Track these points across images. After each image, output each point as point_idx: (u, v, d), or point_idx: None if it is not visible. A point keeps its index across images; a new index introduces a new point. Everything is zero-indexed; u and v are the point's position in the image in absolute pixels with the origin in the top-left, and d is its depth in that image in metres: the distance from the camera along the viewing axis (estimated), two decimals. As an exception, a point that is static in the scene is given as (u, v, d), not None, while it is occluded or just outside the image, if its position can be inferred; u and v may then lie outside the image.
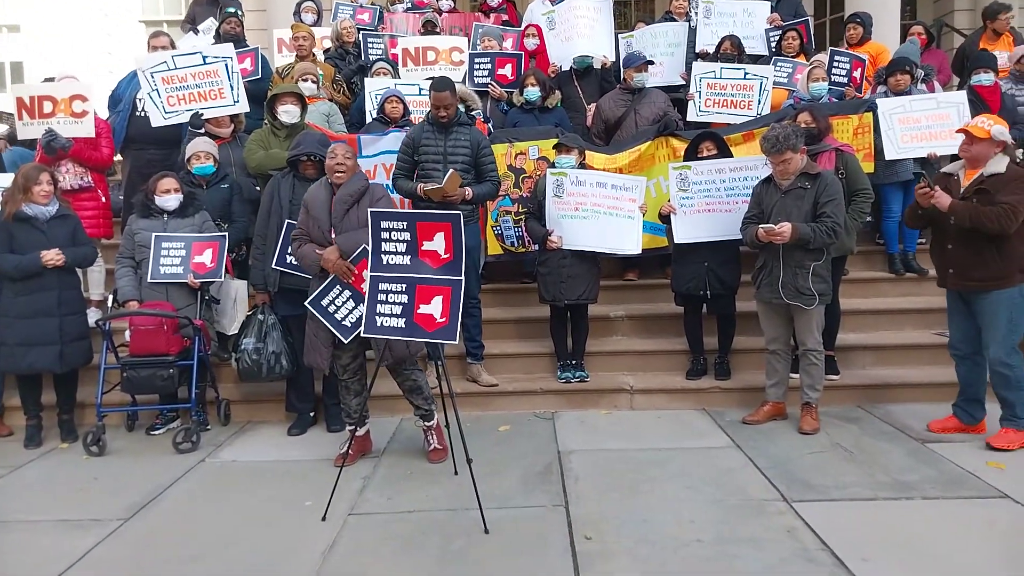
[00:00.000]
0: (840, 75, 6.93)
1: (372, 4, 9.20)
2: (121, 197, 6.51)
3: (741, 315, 5.42)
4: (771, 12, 7.93)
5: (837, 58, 7.01)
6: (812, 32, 7.87)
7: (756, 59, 7.46)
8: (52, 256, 4.68)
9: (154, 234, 4.92)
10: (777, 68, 7.03)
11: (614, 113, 6.46)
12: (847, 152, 5.15)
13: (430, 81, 6.48)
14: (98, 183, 5.92)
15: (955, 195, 4.32)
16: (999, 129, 4.23)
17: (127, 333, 4.79)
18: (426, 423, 4.46)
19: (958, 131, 4.45)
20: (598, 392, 5.34)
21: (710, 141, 5.45)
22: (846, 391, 5.25)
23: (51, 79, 6.46)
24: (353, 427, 4.34)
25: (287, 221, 4.69)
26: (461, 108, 5.31)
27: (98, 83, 6.44)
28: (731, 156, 5.47)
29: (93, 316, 5.43)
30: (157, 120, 5.89)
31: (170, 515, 3.84)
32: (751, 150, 5.76)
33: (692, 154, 5.46)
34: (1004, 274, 4.24)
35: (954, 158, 4.64)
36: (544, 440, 4.74)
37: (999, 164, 4.23)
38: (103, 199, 5.97)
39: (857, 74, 6.93)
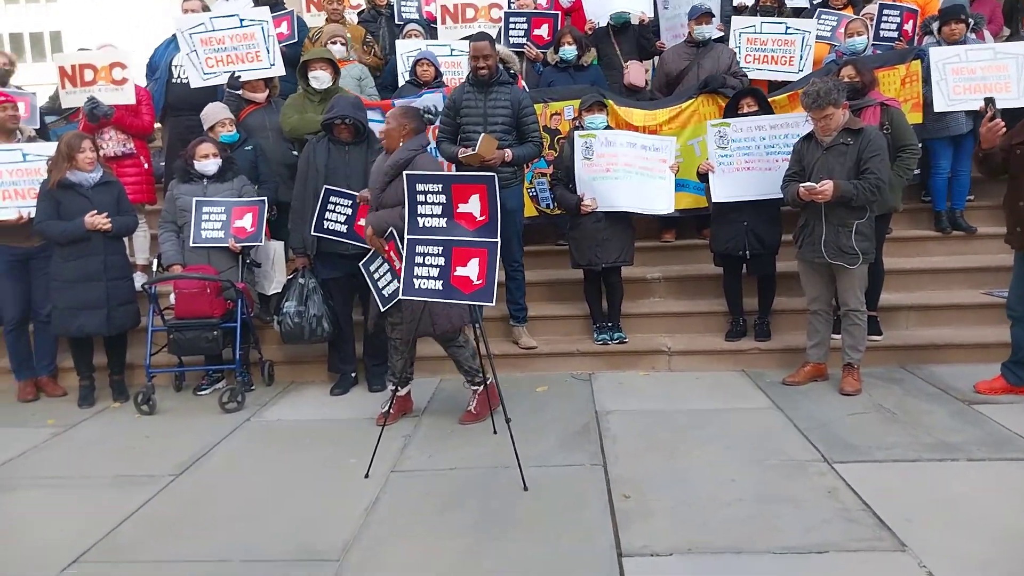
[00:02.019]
0: (890, 29, 6.66)
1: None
2: (162, 164, 6.59)
3: (781, 275, 5.34)
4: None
5: (887, 11, 6.73)
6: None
7: (798, 12, 7.23)
8: (99, 220, 4.76)
9: (195, 199, 4.99)
10: (820, 21, 6.81)
11: (676, 66, 6.31)
12: (893, 107, 4.99)
13: (464, 40, 6.51)
14: (140, 149, 6.02)
15: None
16: None
17: (172, 296, 4.90)
18: (472, 387, 4.49)
19: None
20: (636, 354, 5.34)
21: (751, 97, 5.33)
22: (889, 352, 5.16)
23: (86, 49, 6.53)
24: (395, 387, 4.40)
25: (324, 187, 4.72)
26: (501, 67, 5.23)
27: (134, 50, 6.50)
28: (772, 113, 5.34)
29: (139, 280, 5.55)
30: (196, 81, 5.93)
31: (218, 472, 3.96)
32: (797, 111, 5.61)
33: (732, 111, 5.35)
34: None
35: (1014, 113, 4.41)
36: (582, 401, 4.77)
37: None
38: (145, 165, 6.07)
39: (908, 27, 6.67)
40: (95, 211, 4.78)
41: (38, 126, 5.98)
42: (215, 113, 5.33)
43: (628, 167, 5.18)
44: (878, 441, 3.95)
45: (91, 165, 4.88)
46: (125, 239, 5.31)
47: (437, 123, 4.86)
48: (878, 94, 5.13)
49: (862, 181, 4.37)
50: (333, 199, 4.74)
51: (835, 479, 3.56)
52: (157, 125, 6.59)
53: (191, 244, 4.98)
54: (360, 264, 4.41)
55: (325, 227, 4.75)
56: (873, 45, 6.32)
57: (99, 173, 4.95)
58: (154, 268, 5.33)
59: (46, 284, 4.96)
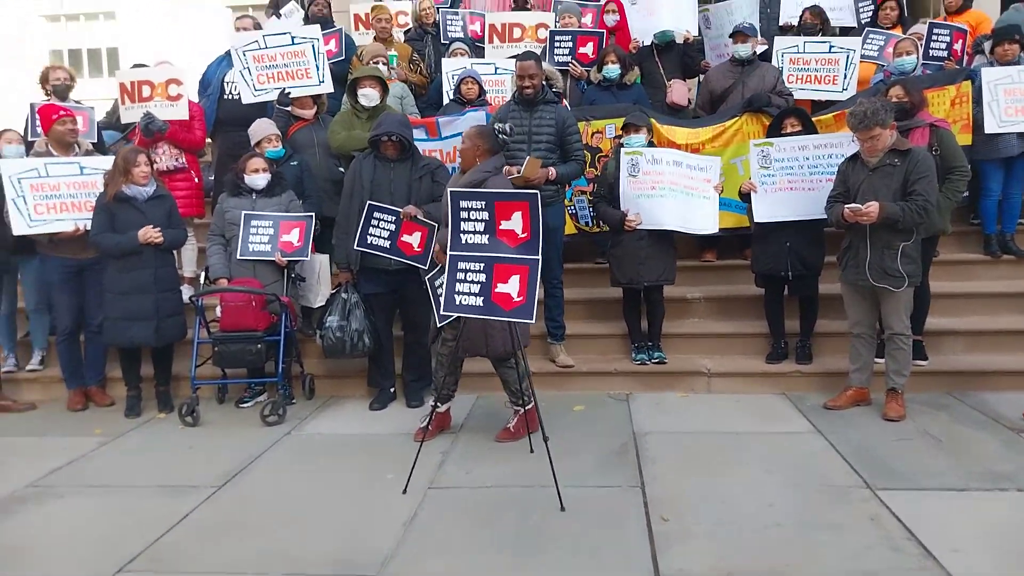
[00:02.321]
0: (940, 49, 6.58)
1: (445, -18, 9.23)
2: (211, 178, 6.76)
3: (823, 297, 5.27)
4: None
5: (936, 30, 6.66)
6: (905, 2, 7.50)
7: (846, 32, 7.16)
8: (152, 233, 4.90)
9: (243, 212, 5.10)
10: (868, 41, 6.74)
11: (721, 85, 6.31)
12: (942, 127, 4.91)
13: (510, 59, 6.57)
14: (191, 164, 6.18)
15: None
16: None
17: (218, 309, 5.01)
18: (514, 407, 4.49)
19: None
20: (674, 375, 5.30)
21: (794, 117, 5.30)
22: (935, 377, 5.05)
23: (141, 65, 6.73)
24: (435, 403, 4.43)
25: (368, 202, 4.80)
26: (546, 86, 5.27)
27: (188, 67, 6.70)
28: (816, 133, 5.30)
29: (186, 292, 5.70)
30: (247, 97, 6.09)
31: (260, 483, 4.03)
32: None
33: (776, 131, 5.32)
34: None
35: None
36: (619, 421, 4.75)
37: None
38: (196, 179, 6.22)
39: (958, 46, 6.57)
40: (149, 225, 4.92)
41: (95, 140, 6.17)
42: (262, 129, 5.45)
43: (673, 185, 5.17)
44: (923, 468, 3.87)
45: (146, 179, 5.03)
46: (174, 252, 5.44)
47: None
48: (927, 115, 5.05)
49: (909, 203, 4.31)
50: (377, 215, 4.82)
51: (878, 506, 3.49)
52: (208, 140, 6.76)
53: (238, 256, 5.09)
54: (426, 277, 4.49)
55: (368, 242, 4.82)
56: (923, 65, 6.23)
57: (153, 187, 5.10)
58: (201, 281, 5.45)
59: (99, 295, 5.10)
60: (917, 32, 6.62)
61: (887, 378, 4.62)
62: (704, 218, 5.26)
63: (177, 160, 6.05)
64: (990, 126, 5.70)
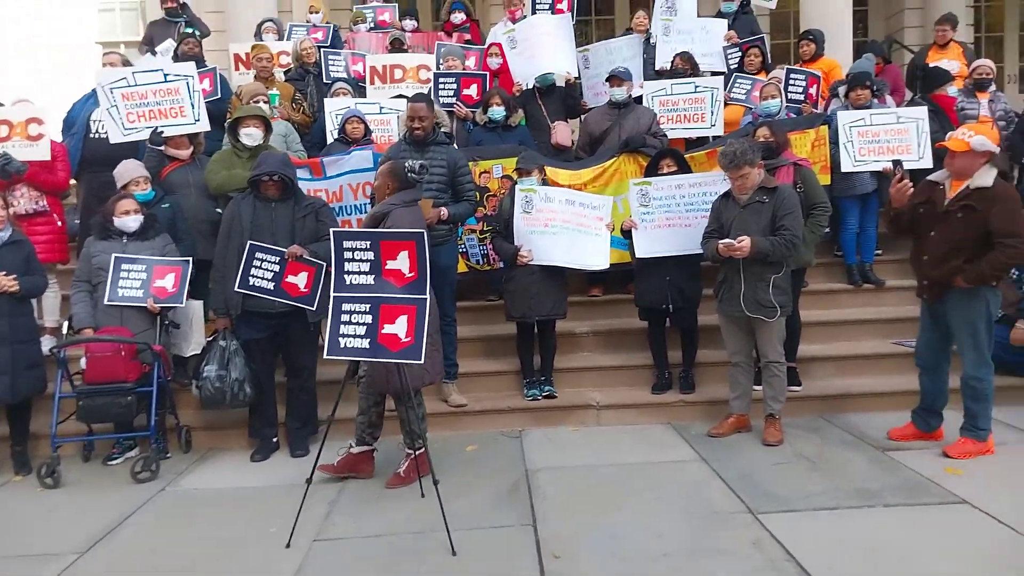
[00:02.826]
0: (797, 92, 7.08)
1: (326, 23, 9.19)
2: (76, 221, 6.37)
3: (704, 328, 5.48)
4: (728, 30, 8.08)
5: (793, 76, 7.17)
6: (768, 50, 8.04)
7: (716, 75, 7.58)
8: (4, 281, 4.56)
9: (113, 255, 4.82)
10: (736, 85, 7.16)
11: (599, 127, 6.49)
12: (805, 166, 5.25)
13: (395, 99, 6.57)
14: (53, 207, 5.80)
15: (939, 206, 4.28)
16: (980, 140, 4.12)
17: (83, 360, 4.68)
18: (406, 449, 4.39)
19: (938, 145, 4.42)
20: (565, 409, 5.35)
21: (670, 158, 5.54)
22: (808, 402, 5.32)
23: (-1, 104, 6.33)
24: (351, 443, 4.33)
25: (249, 242, 4.64)
26: (437, 127, 5.29)
27: (52, 105, 6.33)
28: (691, 172, 5.55)
29: (47, 344, 5.29)
30: (116, 136, 5.77)
31: (130, 546, 3.75)
32: (715, 169, 5.83)
33: (653, 171, 5.53)
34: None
35: (925, 172, 4.63)
36: (512, 459, 4.73)
37: (986, 177, 4.14)
38: (59, 223, 5.84)
39: (813, 90, 7.09)
40: (2, 272, 4.57)
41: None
42: (129, 171, 5.19)
43: (566, 223, 5.29)
44: (800, 490, 4.03)
45: (1, 224, 4.68)
46: (33, 301, 5.07)
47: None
48: (791, 154, 5.38)
49: (778, 237, 4.56)
50: (259, 255, 4.66)
51: (760, 530, 3.61)
52: (72, 181, 6.38)
53: (106, 302, 4.79)
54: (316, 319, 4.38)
55: (251, 284, 4.65)
56: (786, 107, 6.67)
57: (8, 232, 4.75)
58: (64, 331, 5.08)
59: (-55, 349, 4.67)
60: (776, 77, 7.09)
61: (765, 404, 4.82)
62: (595, 254, 5.39)
63: (37, 203, 5.68)
64: (846, 165, 6.14)
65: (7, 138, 5.68)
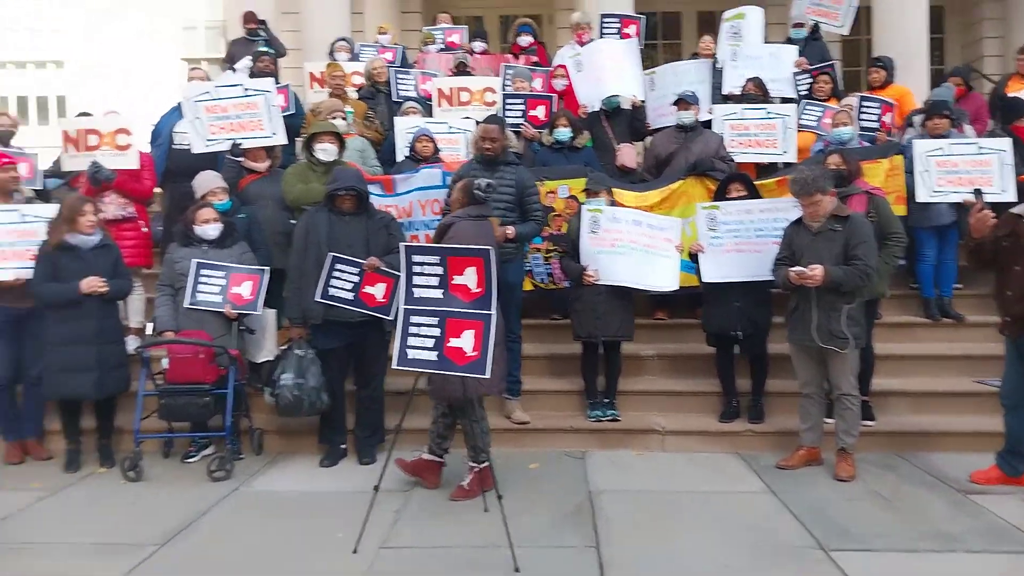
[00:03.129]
0: (870, 120, 6.95)
1: (395, 44, 9.42)
2: (160, 228, 6.63)
3: (774, 357, 5.39)
4: (798, 56, 8.01)
5: (866, 103, 7.05)
6: (839, 77, 7.94)
7: (784, 102, 7.51)
8: (95, 283, 4.76)
9: (194, 260, 5.00)
10: (805, 111, 7.08)
11: (665, 149, 6.50)
12: (878, 195, 5.15)
13: (464, 119, 6.69)
14: (140, 214, 6.07)
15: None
16: None
17: (164, 361, 4.86)
18: (470, 462, 4.43)
19: (1021, 179, 4.26)
20: (629, 432, 5.31)
21: (739, 183, 5.49)
22: (883, 437, 5.16)
23: (86, 114, 6.63)
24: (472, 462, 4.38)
25: (331, 254, 4.76)
26: (507, 148, 5.36)
27: (140, 117, 6.63)
28: (760, 197, 5.49)
29: (132, 344, 5.51)
30: (198, 147, 6.01)
31: (204, 542, 3.87)
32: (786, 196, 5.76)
33: (721, 196, 5.49)
34: None
35: (1007, 205, 4.49)
36: (575, 479, 4.72)
37: None
38: (144, 229, 6.10)
39: (887, 118, 6.95)
40: (92, 275, 4.78)
41: (40, 187, 6.02)
42: (207, 182, 5.37)
43: (633, 244, 5.28)
44: (874, 529, 3.92)
45: (91, 228, 4.90)
46: (120, 302, 5.29)
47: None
48: (864, 183, 5.29)
49: (851, 267, 4.47)
50: (339, 267, 4.78)
51: (831, 567, 3.53)
52: (157, 190, 6.65)
53: (187, 305, 4.96)
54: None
55: (331, 294, 4.77)
56: (859, 136, 6.56)
57: (98, 236, 4.97)
58: (148, 332, 5.28)
59: (38, 346, 4.91)
60: (849, 104, 6.98)
61: (837, 438, 4.70)
62: (663, 275, 5.37)
63: (125, 210, 5.93)
64: (921, 195, 5.98)
65: (97, 147, 5.93)
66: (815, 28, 8.42)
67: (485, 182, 4.50)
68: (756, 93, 7.14)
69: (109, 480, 4.82)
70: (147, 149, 6.52)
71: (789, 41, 8.38)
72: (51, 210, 5.09)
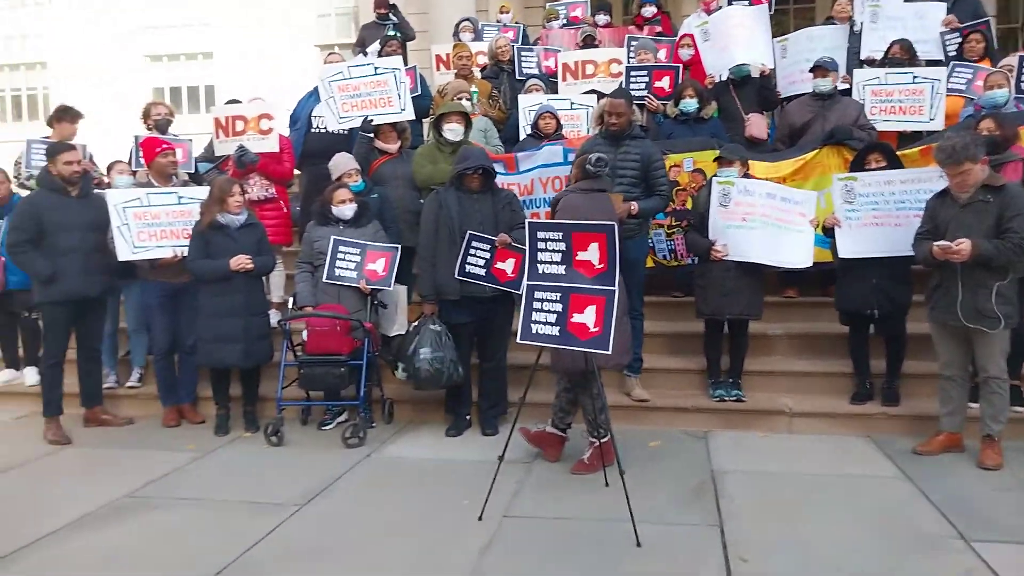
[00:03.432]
0: (1030, 81, 6.36)
1: (516, 23, 9.46)
2: (298, 208, 7.03)
3: (911, 337, 5.10)
4: (946, 14, 7.42)
5: (1027, 63, 6.44)
6: (994, 35, 7.29)
7: (931, 64, 7.00)
8: (243, 261, 5.14)
9: (332, 237, 5.27)
10: (955, 74, 6.56)
11: (800, 118, 6.25)
12: (1038, 163, 4.74)
13: (586, 95, 6.66)
14: (280, 194, 6.46)
15: None
16: None
17: (304, 333, 5.19)
18: (591, 438, 4.48)
19: None
20: (754, 413, 5.20)
21: (878, 152, 5.18)
22: (1034, 424, 4.80)
23: (234, 101, 7.09)
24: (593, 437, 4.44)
25: (468, 232, 4.91)
26: (633, 122, 5.31)
27: (279, 103, 7.02)
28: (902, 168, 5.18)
29: (274, 317, 5.91)
30: (332, 124, 6.34)
31: (340, 504, 4.13)
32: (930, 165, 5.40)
33: (859, 166, 5.21)
34: None
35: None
36: (696, 458, 4.68)
37: None
38: (284, 209, 6.50)
39: (1051, 79, 6.33)
40: (240, 252, 5.16)
41: (193, 171, 6.53)
42: (343, 164, 5.62)
43: (765, 217, 5.11)
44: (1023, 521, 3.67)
45: (239, 208, 5.28)
46: (263, 277, 5.67)
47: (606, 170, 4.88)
48: (1021, 149, 4.88)
49: (1004, 241, 4.15)
50: (475, 244, 4.93)
51: (974, 559, 3.34)
52: (296, 172, 7.05)
53: (325, 280, 5.25)
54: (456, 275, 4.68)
55: (467, 271, 4.94)
56: (1015, 99, 6.02)
57: (244, 216, 5.34)
58: (289, 306, 5.65)
59: (193, 318, 5.36)
60: (1008, 64, 6.40)
61: (982, 424, 4.42)
62: (797, 252, 5.17)
63: (267, 191, 6.33)
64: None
65: (243, 132, 6.36)
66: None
67: (595, 156, 4.47)
68: (902, 56, 6.69)
69: (253, 444, 5.20)
70: (286, 133, 6.91)
71: (936, -2, 7.78)
72: (204, 192, 5.51)
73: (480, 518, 3.82)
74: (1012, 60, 6.56)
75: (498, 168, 5.75)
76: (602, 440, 4.35)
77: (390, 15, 8.89)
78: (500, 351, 5.21)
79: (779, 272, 5.71)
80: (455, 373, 5.00)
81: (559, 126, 6.32)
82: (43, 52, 13.64)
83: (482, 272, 4.93)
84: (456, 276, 4.93)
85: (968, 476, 4.26)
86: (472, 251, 4.94)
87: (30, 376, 6.33)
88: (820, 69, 6.10)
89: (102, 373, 5.86)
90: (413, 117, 6.37)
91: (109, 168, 6.29)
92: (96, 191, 5.60)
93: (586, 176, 4.49)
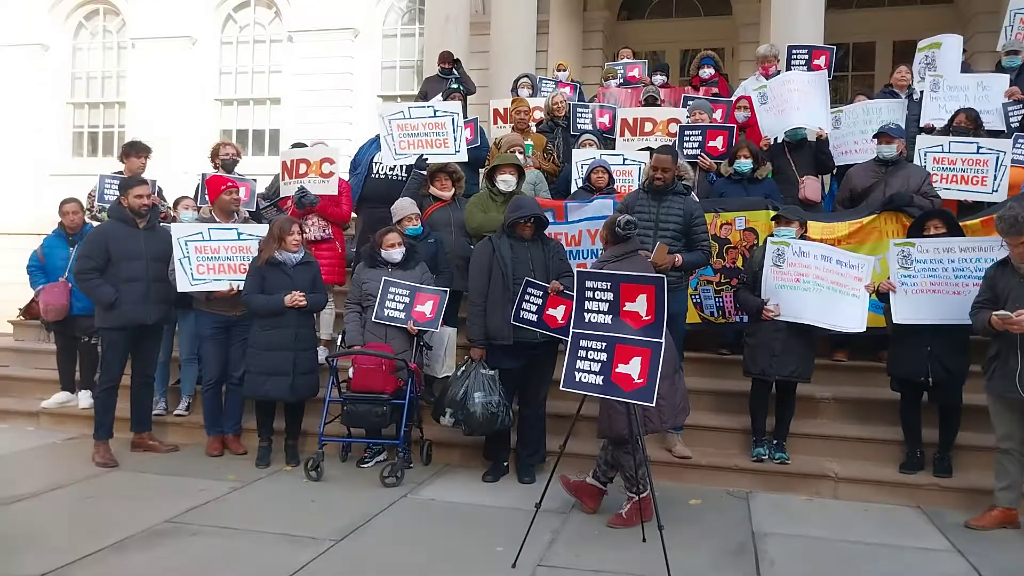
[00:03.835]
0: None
1: (572, 80, 9.68)
2: (354, 250, 7.20)
3: (966, 408, 4.94)
4: (1009, 85, 7.36)
5: (1095, 135, 6.33)
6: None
7: (995, 136, 6.92)
8: (297, 298, 5.28)
9: (384, 278, 5.38)
10: (1019, 144, 6.47)
11: (863, 183, 6.21)
12: (1104, 236, 4.61)
13: (640, 151, 6.74)
14: (336, 235, 6.64)
15: None
16: None
17: (350, 371, 5.27)
18: (629, 493, 4.43)
19: None
20: (798, 476, 5.07)
21: (939, 219, 5.11)
22: (1096, 505, 4.58)
23: (300, 144, 7.36)
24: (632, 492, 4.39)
25: (525, 279, 4.98)
26: (676, 179, 5.37)
27: (341, 148, 7.27)
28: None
29: (322, 354, 6.02)
30: (388, 160, 6.54)
31: (375, 542, 4.13)
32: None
33: (918, 232, 5.14)
34: None
35: None
36: (737, 519, 4.58)
37: None
38: (339, 250, 6.67)
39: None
40: (295, 289, 5.31)
41: (254, 209, 6.77)
42: (404, 208, 5.77)
43: (819, 280, 5.05)
44: (1082, 604, 3.49)
45: (296, 247, 5.44)
46: (314, 314, 5.79)
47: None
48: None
49: (1064, 313, 4.04)
50: (530, 290, 4.99)
51: (1028, 640, 3.18)
52: (353, 215, 7.25)
53: (374, 319, 5.34)
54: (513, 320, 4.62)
55: (521, 316, 4.99)
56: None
57: (302, 254, 5.51)
58: (338, 344, 5.75)
59: (243, 349, 5.50)
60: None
61: (1039, 500, 4.24)
62: (851, 316, 5.08)
63: (324, 231, 6.50)
64: None
65: (305, 175, 6.56)
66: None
67: (624, 219, 4.50)
68: (968, 126, 6.62)
69: (293, 477, 5.25)
70: (346, 177, 7.13)
71: (1000, 69, 7.74)
72: (263, 229, 5.70)
73: (514, 565, 3.78)
74: (1076, 131, 6.46)
75: (548, 216, 5.84)
76: (641, 495, 4.29)
77: (453, 70, 9.19)
78: (542, 398, 5.21)
79: (830, 335, 5.62)
80: (507, 417, 5.01)
81: (611, 180, 6.40)
82: (123, 92, 14.41)
83: (534, 318, 4.96)
84: (512, 321, 4.97)
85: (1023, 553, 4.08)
86: (527, 297, 4.98)
87: (84, 399, 6.55)
88: (884, 135, 6.07)
89: (153, 400, 6.01)
90: (466, 159, 6.52)
91: (176, 203, 6.58)
92: (161, 224, 5.85)
93: (616, 240, 4.52)
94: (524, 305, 4.97)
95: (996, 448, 4.46)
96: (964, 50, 8.29)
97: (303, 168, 6.58)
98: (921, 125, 7.20)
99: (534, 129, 7.92)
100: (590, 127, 7.93)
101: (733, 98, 7.76)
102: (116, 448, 5.56)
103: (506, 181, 5.72)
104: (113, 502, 4.70)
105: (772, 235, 5.28)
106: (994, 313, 4.20)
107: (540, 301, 4.97)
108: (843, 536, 4.32)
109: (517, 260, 5.03)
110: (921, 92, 7.40)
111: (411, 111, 6.52)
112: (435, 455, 5.57)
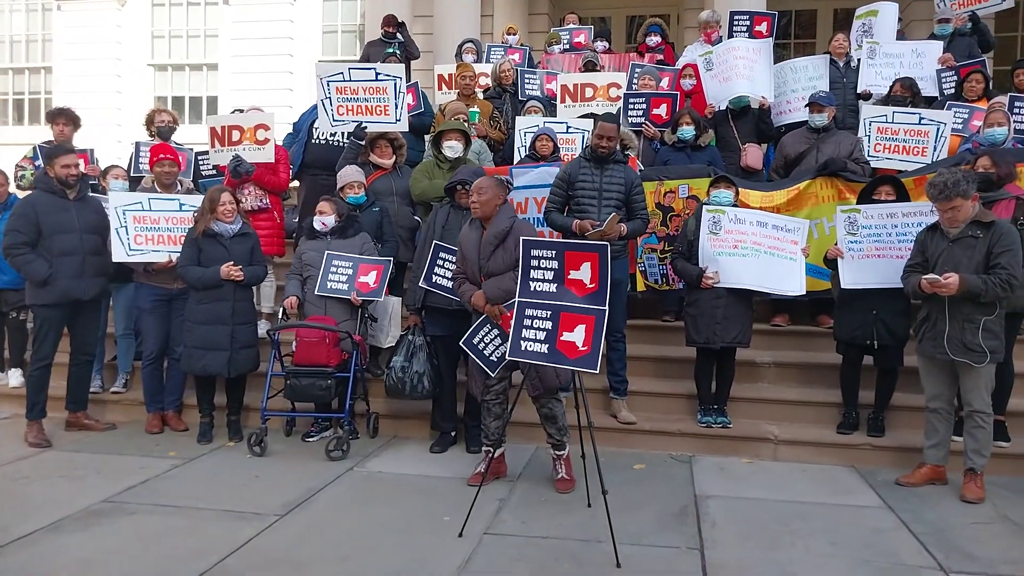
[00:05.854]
0: (1022, 121, 6.44)
1: (522, 45, 9.56)
2: (295, 220, 7.04)
3: (901, 369, 5.11)
4: (943, 52, 7.53)
5: (1018, 103, 6.52)
6: (990, 75, 7.38)
7: (929, 102, 7.10)
8: (232, 271, 5.15)
9: (327, 251, 5.29)
10: (955, 114, 6.63)
11: (795, 150, 6.33)
12: (1030, 200, 4.78)
13: (582, 119, 6.71)
14: (274, 205, 6.45)
15: None
16: None
17: (292, 344, 5.18)
18: (556, 452, 4.51)
19: None
20: (739, 439, 5.19)
21: (890, 186, 5.20)
22: (1017, 461, 4.80)
23: (240, 110, 7.12)
24: (490, 449, 4.47)
25: (434, 242, 4.94)
26: (617, 147, 5.38)
27: (279, 114, 7.05)
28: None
29: (263, 327, 5.90)
30: (325, 126, 6.30)
31: (320, 516, 4.10)
32: (922, 197, 5.44)
33: (868, 198, 5.25)
34: None
35: None
36: (680, 482, 4.67)
37: None
38: (278, 219, 6.49)
39: (1042, 119, 6.41)
40: (231, 262, 5.17)
41: (191, 178, 6.54)
42: (348, 175, 5.66)
43: (756, 246, 5.14)
44: (1003, 555, 3.66)
45: (231, 217, 5.29)
46: (253, 287, 5.65)
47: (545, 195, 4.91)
48: (1015, 187, 4.92)
49: (992, 276, 4.18)
50: (443, 255, 4.93)
51: (953, 591, 3.33)
52: (294, 184, 7.06)
53: (316, 292, 5.26)
54: (462, 344, 4.46)
55: (433, 281, 4.93)
56: (1013, 139, 6.08)
57: (238, 225, 5.36)
58: (279, 317, 5.64)
59: (182, 324, 5.35)
60: (999, 102, 6.48)
61: (965, 457, 4.42)
62: (790, 280, 5.20)
63: (261, 201, 6.32)
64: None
65: (239, 142, 6.33)
66: (975, 21, 7.89)
67: (504, 178, 4.63)
68: (904, 94, 6.77)
69: (236, 453, 5.17)
70: (282, 143, 6.93)
71: (933, 37, 7.91)
72: (197, 200, 5.52)
73: (461, 534, 3.80)
74: (1003, 99, 6.64)
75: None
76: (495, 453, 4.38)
77: (397, 34, 8.98)
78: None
79: (768, 300, 5.73)
80: (420, 385, 5.01)
81: (556, 149, 6.36)
82: (49, 56, 13.72)
83: (448, 284, 4.87)
84: (421, 284, 4.93)
85: (950, 508, 4.25)
86: (440, 261, 4.92)
87: (14, 378, 6.30)
88: (816, 104, 6.17)
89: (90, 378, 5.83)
90: (406, 129, 6.35)
91: (105, 171, 6.31)
92: (91, 194, 5.62)
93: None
94: (436, 270, 4.91)
95: (926, 408, 4.62)
96: (900, 18, 8.45)
97: (236, 135, 6.35)
98: (859, 92, 7.33)
99: (480, 96, 7.82)
100: (539, 93, 7.86)
101: (679, 65, 7.77)
102: (50, 428, 5.39)
103: (452, 147, 5.64)
104: (48, 483, 4.56)
105: (706, 202, 5.33)
106: (923, 277, 4.32)
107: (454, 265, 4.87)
108: (781, 496, 4.45)
109: (449, 227, 4.98)
110: (859, 60, 7.52)
111: (351, 72, 6.27)
112: (383, 427, 5.54)
